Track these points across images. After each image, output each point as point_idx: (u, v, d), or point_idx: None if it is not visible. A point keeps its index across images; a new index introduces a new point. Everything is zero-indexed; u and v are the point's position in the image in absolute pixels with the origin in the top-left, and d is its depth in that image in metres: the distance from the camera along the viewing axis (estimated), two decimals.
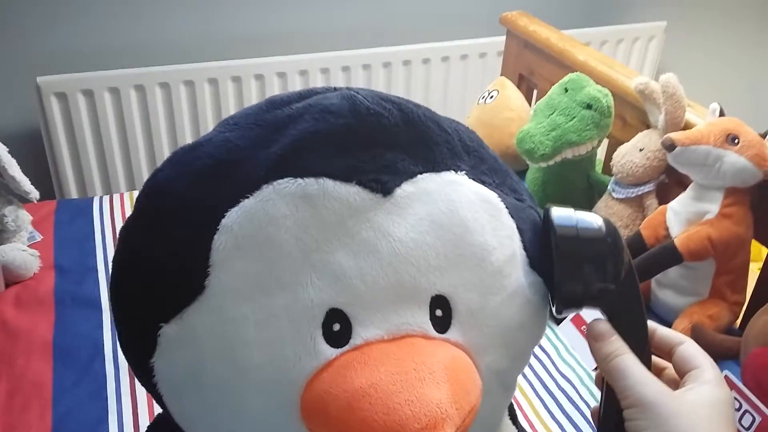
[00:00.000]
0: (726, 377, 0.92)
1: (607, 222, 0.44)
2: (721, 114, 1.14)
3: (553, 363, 1.08)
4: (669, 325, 1.12)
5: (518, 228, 0.45)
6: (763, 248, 1.13)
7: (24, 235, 1.26)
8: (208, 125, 1.78)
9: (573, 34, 1.65)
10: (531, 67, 1.66)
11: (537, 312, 0.45)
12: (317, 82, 1.84)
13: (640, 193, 1.22)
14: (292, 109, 0.43)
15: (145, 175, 1.72)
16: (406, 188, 0.41)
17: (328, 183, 0.40)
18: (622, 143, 1.28)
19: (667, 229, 1.13)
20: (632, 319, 0.45)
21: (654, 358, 0.48)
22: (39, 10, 1.62)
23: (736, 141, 1.05)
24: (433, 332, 0.40)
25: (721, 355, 1.02)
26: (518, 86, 1.65)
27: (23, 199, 1.23)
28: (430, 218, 0.41)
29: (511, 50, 1.74)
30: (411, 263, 0.40)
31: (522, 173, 1.45)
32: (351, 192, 0.40)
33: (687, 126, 1.17)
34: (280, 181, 0.40)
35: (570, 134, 1.26)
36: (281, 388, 0.39)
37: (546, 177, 1.35)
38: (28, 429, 0.94)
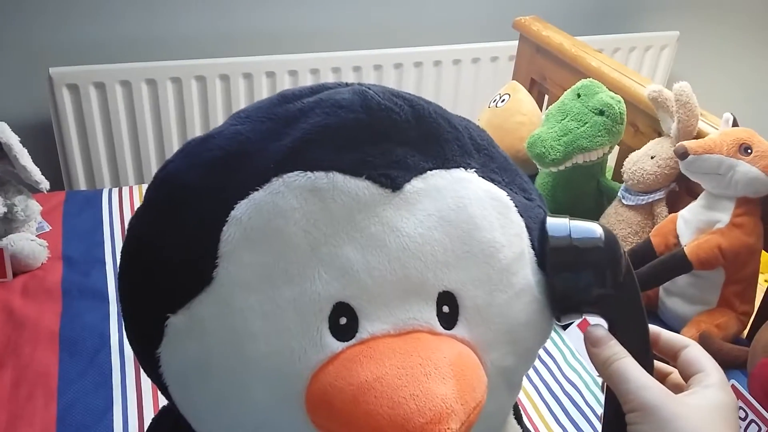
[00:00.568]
0: (733, 386, 0.92)
1: (604, 230, 0.45)
2: (734, 124, 1.13)
3: (559, 368, 1.07)
4: (676, 333, 1.12)
5: (527, 226, 0.45)
6: None
7: (33, 225, 1.27)
8: (219, 121, 1.78)
9: (586, 41, 1.65)
10: (543, 72, 1.66)
11: (544, 310, 0.45)
12: (328, 81, 1.84)
13: (650, 200, 1.22)
14: (303, 103, 0.43)
15: (154, 169, 1.72)
16: (415, 184, 0.41)
17: (337, 177, 0.40)
18: (634, 150, 1.28)
19: (677, 237, 1.13)
20: (633, 323, 0.46)
21: (658, 363, 0.48)
22: (52, 1, 1.62)
23: (749, 151, 1.05)
24: (439, 328, 0.40)
25: (728, 365, 1.02)
26: (530, 91, 1.65)
27: (33, 189, 1.23)
28: (438, 214, 0.41)
29: (524, 55, 1.74)
30: (419, 258, 0.40)
31: (532, 177, 1.44)
32: (360, 186, 0.40)
33: (699, 135, 1.16)
34: (289, 174, 0.40)
35: (581, 140, 1.26)
36: (287, 380, 0.39)
37: (556, 182, 1.35)
38: (32, 418, 0.94)
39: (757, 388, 0.93)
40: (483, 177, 0.44)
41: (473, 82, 1.99)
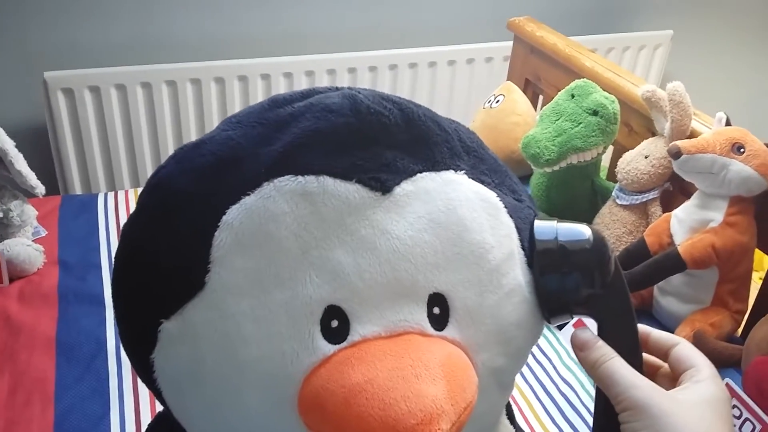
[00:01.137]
0: (727, 385, 0.92)
1: (592, 231, 0.45)
2: (728, 123, 1.14)
3: (554, 367, 1.08)
4: (671, 332, 1.12)
5: (516, 227, 0.45)
6: (766, 257, 1.13)
7: (29, 230, 1.27)
8: (214, 124, 1.78)
9: (580, 41, 1.66)
10: (537, 73, 1.67)
11: (534, 311, 0.45)
12: (323, 82, 1.85)
13: (644, 200, 1.22)
14: (293, 108, 0.43)
15: (150, 173, 1.73)
16: (405, 187, 0.42)
17: (328, 181, 0.40)
18: (628, 150, 1.28)
19: (671, 236, 1.13)
20: (622, 323, 0.46)
21: (648, 357, 0.48)
22: (47, 4, 1.62)
23: (742, 150, 1.05)
24: (430, 329, 0.41)
25: (722, 363, 1.02)
26: (524, 91, 1.65)
27: (29, 194, 1.23)
28: (428, 217, 0.41)
29: (518, 55, 1.74)
30: (409, 261, 0.40)
31: (526, 178, 1.45)
32: (350, 190, 0.40)
33: (693, 134, 1.17)
34: (280, 178, 0.40)
35: (575, 140, 1.26)
36: (279, 383, 0.39)
37: (550, 182, 1.35)
38: (29, 424, 0.94)
39: (752, 386, 0.93)
40: (473, 179, 0.45)
41: (468, 82, 1.99)
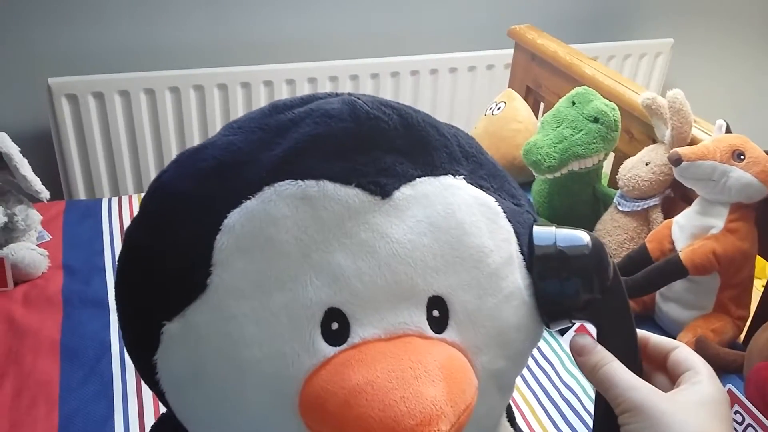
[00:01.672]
0: (729, 391, 0.93)
1: (590, 237, 0.46)
2: (728, 130, 1.15)
3: (557, 373, 1.08)
4: (673, 338, 1.12)
5: (515, 231, 0.46)
6: (767, 264, 1.13)
7: (33, 235, 1.27)
8: (216, 129, 1.78)
9: (580, 49, 1.67)
10: (538, 80, 1.68)
11: (533, 314, 0.46)
12: (325, 89, 1.85)
13: (645, 206, 1.23)
14: (294, 114, 0.44)
15: (153, 178, 1.73)
16: (404, 191, 0.42)
17: (327, 185, 0.41)
18: (629, 157, 1.29)
19: (672, 242, 1.14)
20: (621, 328, 0.47)
21: (647, 361, 0.48)
22: (52, 11, 1.63)
23: (742, 157, 1.06)
24: (429, 332, 0.41)
25: (724, 369, 1.03)
26: (525, 98, 1.66)
27: (33, 199, 1.24)
28: (428, 221, 0.42)
29: (519, 63, 1.75)
30: (408, 264, 0.41)
31: (528, 185, 1.46)
32: (350, 194, 0.41)
33: (693, 141, 1.18)
34: (281, 182, 0.41)
35: (577, 147, 1.27)
36: (280, 384, 0.40)
37: (552, 189, 1.36)
38: (34, 427, 0.94)
39: (754, 392, 0.93)
40: (471, 183, 0.45)
41: (469, 90, 2.00)
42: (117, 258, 0.46)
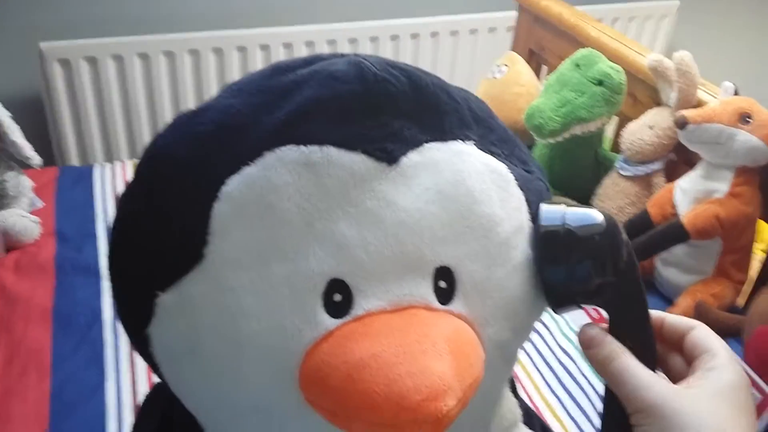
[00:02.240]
0: None
1: (603, 216, 0.43)
2: (735, 93, 1.12)
3: (553, 337, 1.07)
4: (671, 302, 1.11)
5: (526, 200, 0.44)
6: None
7: (25, 201, 1.26)
8: (212, 95, 1.76)
9: (585, 11, 1.63)
10: (541, 43, 1.64)
11: (541, 284, 0.44)
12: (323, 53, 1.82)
13: (648, 171, 1.21)
14: (296, 75, 0.42)
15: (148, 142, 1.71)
16: (412, 157, 0.40)
17: (332, 151, 0.39)
18: (632, 120, 1.26)
19: (674, 207, 1.12)
20: (634, 314, 0.44)
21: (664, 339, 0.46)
22: None
23: (749, 120, 1.03)
24: (436, 304, 0.40)
25: (723, 334, 1.01)
26: (528, 62, 1.63)
27: (24, 165, 1.22)
28: (436, 188, 0.40)
29: (522, 25, 1.71)
30: (416, 233, 0.39)
31: (529, 149, 1.43)
32: (355, 160, 0.39)
33: (699, 104, 1.15)
34: (282, 148, 0.39)
35: (580, 110, 1.24)
36: (280, 358, 0.38)
37: (554, 153, 1.33)
38: (26, 394, 0.93)
39: (753, 357, 0.92)
40: (482, 149, 0.43)
41: (471, 53, 1.97)
42: (110, 225, 0.44)
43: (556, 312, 0.44)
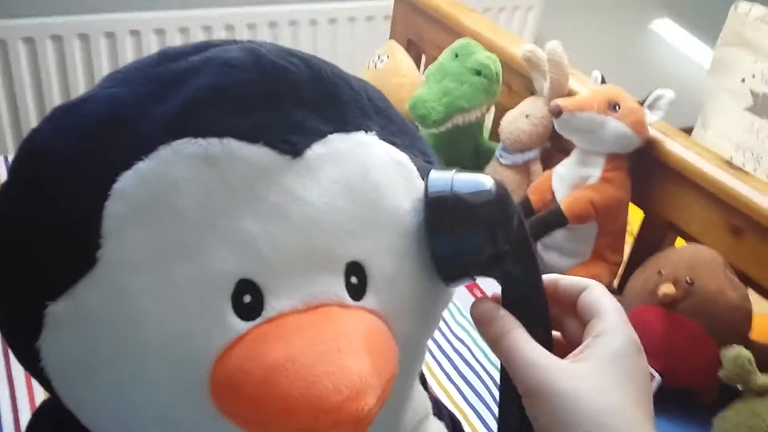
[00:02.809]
0: None
1: (493, 182, 0.41)
2: (602, 82, 1.18)
3: (447, 326, 1.10)
4: None
5: None
6: (638, 211, 1.19)
7: None
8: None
9: (459, 1, 1.66)
10: (419, 33, 1.67)
11: None
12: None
13: (525, 159, 1.26)
14: (188, 63, 0.40)
15: (24, 138, 1.59)
16: (316, 149, 0.40)
17: (232, 143, 0.37)
18: (508, 110, 1.31)
19: (553, 193, 1.17)
20: (527, 283, 0.42)
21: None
22: None
23: (617, 108, 1.10)
24: (348, 300, 0.39)
25: None
26: (407, 51, 1.65)
27: None
28: (343, 181, 0.40)
29: (399, 14, 1.73)
30: (324, 228, 0.39)
31: None
32: (258, 153, 0.38)
33: (570, 93, 1.21)
34: (179, 141, 0.37)
35: (460, 100, 1.27)
36: (187, 365, 0.37)
37: (436, 143, 1.36)
38: None
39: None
40: (384, 140, 0.43)
41: (351, 42, 1.97)
42: None
43: (448, 285, 0.43)
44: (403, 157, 0.43)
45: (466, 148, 1.37)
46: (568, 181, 1.15)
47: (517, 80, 1.37)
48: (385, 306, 0.40)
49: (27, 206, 0.38)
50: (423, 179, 0.43)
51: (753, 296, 0.98)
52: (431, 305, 0.44)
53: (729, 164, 1.07)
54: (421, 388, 0.54)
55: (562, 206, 1.11)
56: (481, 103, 1.29)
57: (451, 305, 1.13)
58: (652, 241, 1.18)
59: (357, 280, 0.40)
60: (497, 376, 0.46)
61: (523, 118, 1.25)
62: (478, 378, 1.01)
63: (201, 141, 0.37)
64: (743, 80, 1.86)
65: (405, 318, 0.42)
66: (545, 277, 0.44)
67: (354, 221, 0.39)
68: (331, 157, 0.40)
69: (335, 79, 0.42)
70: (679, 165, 1.08)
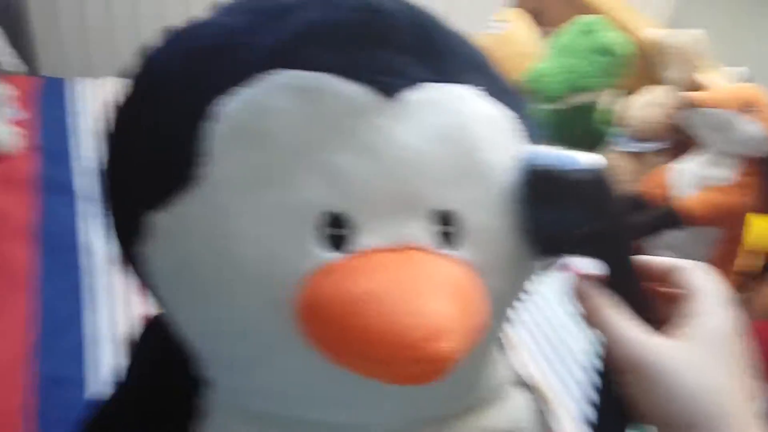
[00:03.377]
0: None
1: (598, 163, 0.41)
2: (747, 80, 1.12)
3: (539, 309, 1.08)
4: None
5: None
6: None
7: (6, 112, 1.20)
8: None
9: None
10: (542, 3, 1.62)
11: None
12: None
13: (646, 149, 1.21)
14: None
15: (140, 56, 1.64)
16: (414, 94, 0.39)
17: (331, 79, 0.37)
18: (634, 95, 1.26)
19: (669, 189, 1.12)
20: (622, 264, 0.41)
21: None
22: None
23: (754, 109, 1.04)
24: (438, 247, 0.38)
25: None
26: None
27: (4, 72, 1.16)
28: (439, 129, 0.39)
29: None
30: (416, 172, 0.38)
31: None
32: (355, 90, 0.37)
33: (702, 87, 1.15)
34: (281, 72, 0.37)
35: (583, 79, 1.24)
36: (273, 286, 0.37)
37: (551, 120, 1.33)
38: (1, 312, 0.90)
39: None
40: (483, 95, 0.42)
41: (468, 5, 1.93)
42: (95, 141, 0.41)
43: (541, 259, 0.43)
44: (500, 114, 0.42)
45: (583, 128, 1.33)
46: (694, 180, 1.09)
47: (647, 66, 1.30)
48: (478, 259, 0.39)
49: (138, 120, 0.40)
50: (524, 142, 0.43)
51: None
52: (523, 267, 0.43)
53: None
54: (500, 356, 0.53)
55: (684, 205, 1.06)
56: (603, 85, 1.24)
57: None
58: None
59: (448, 229, 0.39)
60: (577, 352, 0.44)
61: (649, 107, 1.20)
62: (557, 355, 0.98)
63: (301, 74, 0.37)
64: None
65: (497, 274, 0.41)
66: (635, 259, 0.42)
67: (448, 170, 0.39)
68: (429, 103, 0.39)
69: (442, 31, 0.42)
70: None
